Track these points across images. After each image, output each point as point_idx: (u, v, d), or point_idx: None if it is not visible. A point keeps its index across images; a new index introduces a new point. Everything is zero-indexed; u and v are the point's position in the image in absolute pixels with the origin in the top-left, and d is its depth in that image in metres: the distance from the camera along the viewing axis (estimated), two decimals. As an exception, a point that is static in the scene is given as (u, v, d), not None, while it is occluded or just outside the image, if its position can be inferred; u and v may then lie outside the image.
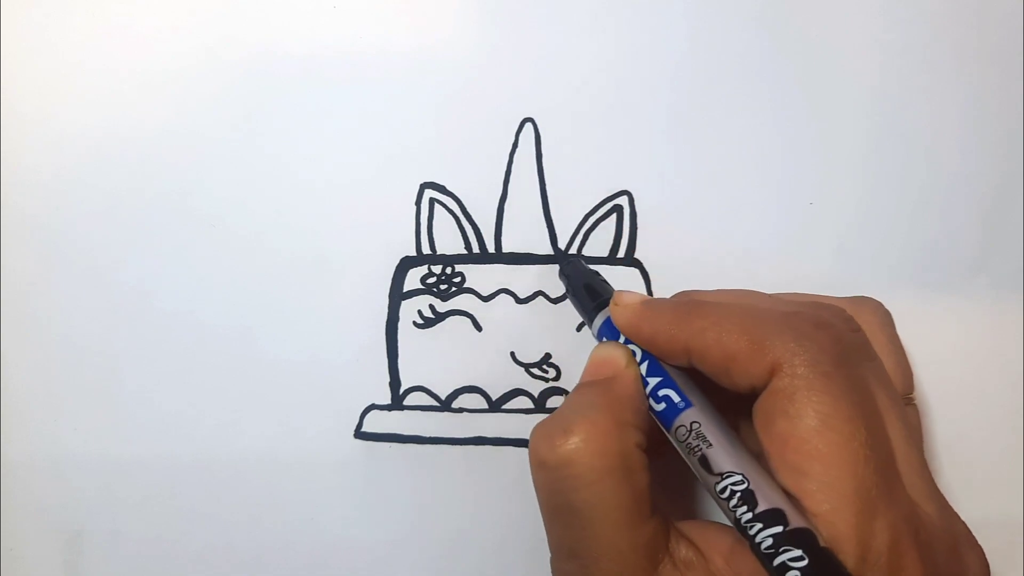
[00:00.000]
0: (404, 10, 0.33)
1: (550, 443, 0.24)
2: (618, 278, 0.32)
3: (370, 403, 0.33)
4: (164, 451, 0.33)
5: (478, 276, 0.33)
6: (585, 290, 0.30)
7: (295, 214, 0.33)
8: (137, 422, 0.33)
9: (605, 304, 0.28)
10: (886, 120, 0.33)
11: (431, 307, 0.33)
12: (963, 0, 0.32)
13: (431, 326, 0.33)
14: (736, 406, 0.25)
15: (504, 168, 0.33)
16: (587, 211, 0.33)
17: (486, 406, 0.33)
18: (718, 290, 0.28)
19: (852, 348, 0.24)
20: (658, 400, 0.25)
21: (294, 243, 0.33)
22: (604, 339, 0.28)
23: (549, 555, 0.25)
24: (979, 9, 0.32)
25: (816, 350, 0.23)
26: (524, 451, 0.32)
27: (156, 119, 0.33)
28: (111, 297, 0.33)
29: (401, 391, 0.33)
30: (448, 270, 0.33)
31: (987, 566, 0.24)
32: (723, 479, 0.23)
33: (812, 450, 0.22)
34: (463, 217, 0.33)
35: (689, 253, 0.33)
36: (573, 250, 0.33)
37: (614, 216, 0.33)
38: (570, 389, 0.32)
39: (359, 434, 0.33)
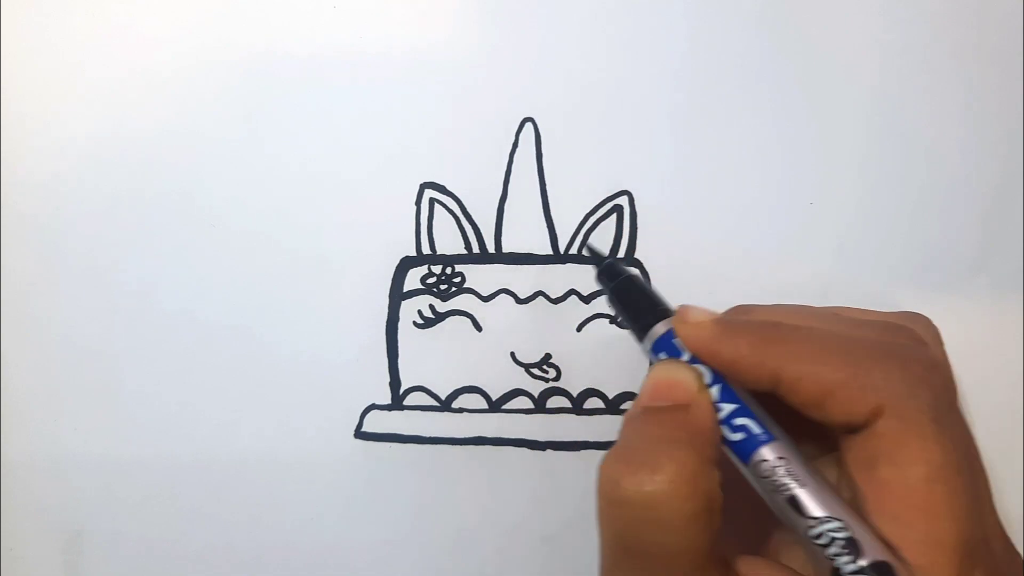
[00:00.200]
0: (404, 10, 0.33)
1: (633, 480, 0.21)
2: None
3: (370, 403, 0.33)
4: (164, 451, 0.33)
5: (478, 276, 0.33)
6: (637, 299, 0.26)
7: (295, 214, 0.33)
8: (137, 422, 0.33)
9: (662, 317, 0.25)
10: (886, 120, 0.33)
11: (431, 307, 0.33)
12: (963, 0, 0.32)
13: (431, 326, 0.33)
14: (797, 428, 0.23)
15: (504, 168, 0.33)
16: (587, 211, 0.33)
17: (486, 406, 0.33)
18: (776, 306, 0.26)
19: (954, 390, 0.23)
20: (734, 430, 0.23)
21: (294, 243, 0.33)
22: (661, 355, 0.24)
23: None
24: (979, 9, 0.32)
25: (929, 395, 0.21)
26: (524, 451, 0.32)
27: (156, 119, 0.33)
28: (111, 297, 0.33)
29: (401, 391, 0.33)
30: (448, 270, 0.33)
31: None
32: (820, 524, 0.21)
33: (919, 502, 0.21)
34: (463, 217, 0.33)
35: (689, 253, 0.33)
36: (573, 250, 0.33)
37: (614, 216, 0.33)
38: (570, 389, 0.32)
39: (359, 434, 0.33)
